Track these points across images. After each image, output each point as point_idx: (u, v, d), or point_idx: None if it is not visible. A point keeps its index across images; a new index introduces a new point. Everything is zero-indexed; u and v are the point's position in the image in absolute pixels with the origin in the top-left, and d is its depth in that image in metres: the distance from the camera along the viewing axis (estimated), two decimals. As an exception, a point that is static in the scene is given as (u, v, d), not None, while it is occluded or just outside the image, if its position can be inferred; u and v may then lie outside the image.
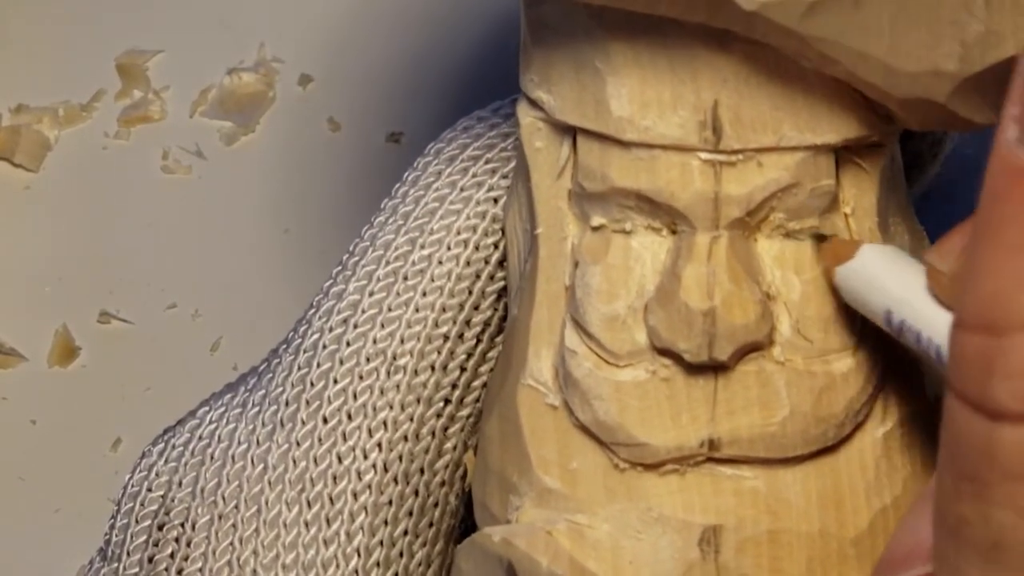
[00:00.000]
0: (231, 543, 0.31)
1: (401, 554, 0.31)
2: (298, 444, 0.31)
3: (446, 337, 0.32)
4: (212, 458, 0.32)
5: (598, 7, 0.28)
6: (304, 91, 0.54)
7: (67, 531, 0.49)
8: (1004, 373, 0.20)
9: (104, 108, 0.54)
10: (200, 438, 0.32)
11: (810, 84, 0.28)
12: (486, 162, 0.33)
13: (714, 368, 0.29)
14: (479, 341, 0.32)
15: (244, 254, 0.52)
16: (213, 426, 0.32)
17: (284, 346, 0.33)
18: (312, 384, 0.32)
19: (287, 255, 0.52)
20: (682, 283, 0.29)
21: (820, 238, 0.29)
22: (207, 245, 0.52)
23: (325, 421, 0.31)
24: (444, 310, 0.32)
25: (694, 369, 0.29)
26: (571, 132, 0.30)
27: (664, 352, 0.29)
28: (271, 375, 0.32)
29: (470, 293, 0.32)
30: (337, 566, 0.31)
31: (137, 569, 0.32)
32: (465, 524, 0.34)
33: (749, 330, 0.29)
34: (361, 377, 0.32)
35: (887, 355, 0.30)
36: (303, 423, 0.31)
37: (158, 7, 0.55)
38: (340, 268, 0.33)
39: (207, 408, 0.33)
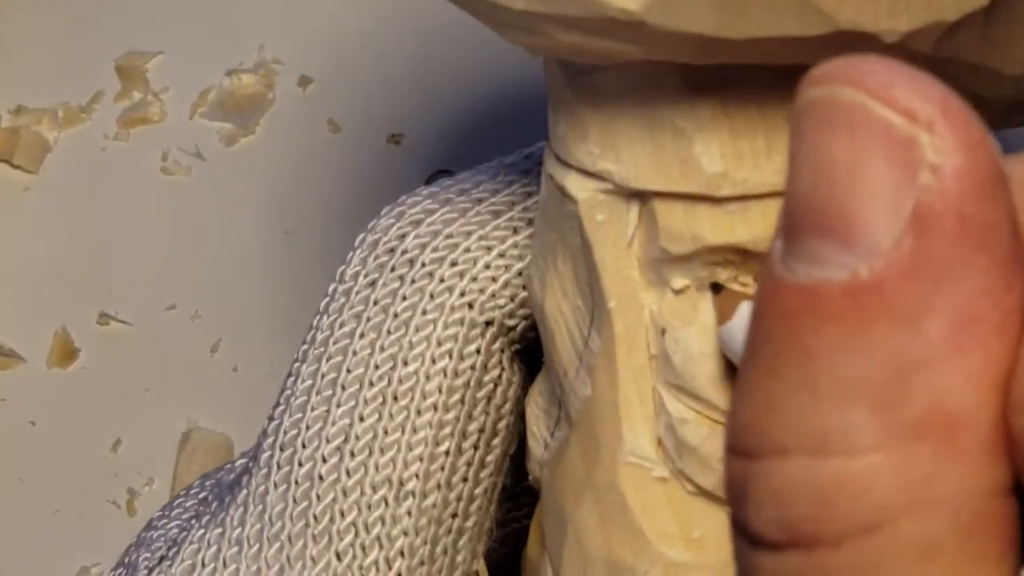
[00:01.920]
0: None
1: None
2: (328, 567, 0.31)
3: (447, 453, 0.31)
4: None
5: (683, 65, 0.27)
6: (304, 92, 0.54)
7: (66, 532, 0.49)
8: (755, 499, 0.19)
9: (103, 110, 0.54)
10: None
11: None
12: (452, 264, 0.32)
13: None
14: (476, 448, 0.32)
15: (243, 255, 0.52)
16: (211, 567, 0.31)
17: (262, 471, 0.31)
18: (316, 519, 0.31)
19: (286, 256, 0.52)
20: None
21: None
22: (206, 246, 0.52)
23: (339, 558, 0.30)
24: (442, 426, 0.31)
25: None
26: (638, 197, 0.29)
27: None
28: (261, 507, 0.31)
29: (463, 403, 0.32)
30: None
31: None
32: None
33: None
34: (370, 507, 0.31)
35: None
36: (314, 561, 0.31)
37: (157, 9, 0.55)
38: (326, 385, 0.31)
39: (188, 542, 0.32)
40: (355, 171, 0.53)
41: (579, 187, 0.29)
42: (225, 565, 0.31)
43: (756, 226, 0.28)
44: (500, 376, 0.32)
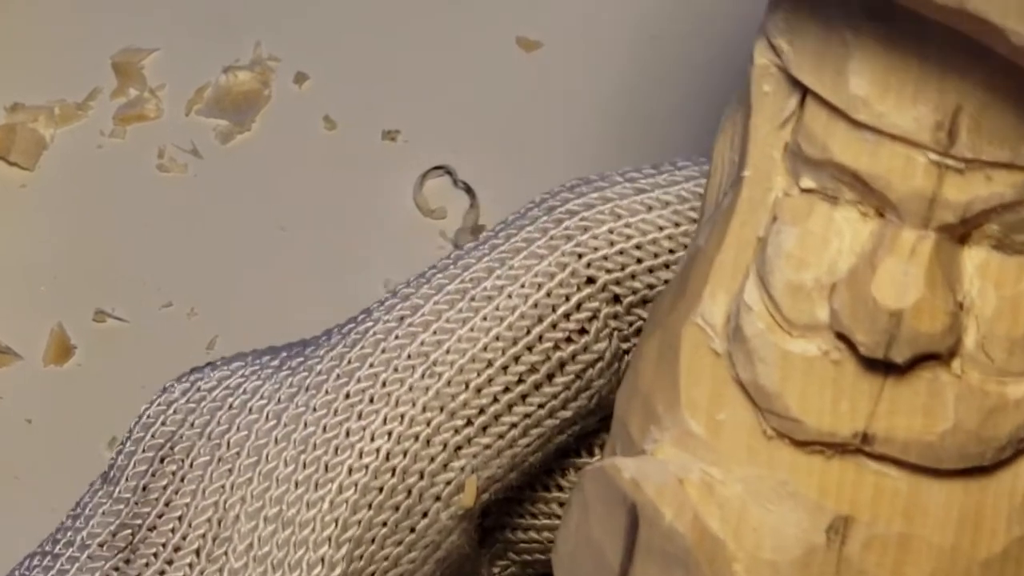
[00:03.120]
0: (223, 485, 0.32)
1: (373, 540, 0.32)
2: (314, 409, 0.32)
3: (490, 363, 0.32)
4: (231, 407, 0.33)
5: None
6: (300, 89, 0.54)
7: (63, 529, 0.49)
8: None
9: (100, 106, 0.54)
10: (226, 387, 0.33)
11: None
12: (581, 219, 0.33)
13: (886, 365, 0.28)
14: (521, 381, 0.33)
15: (240, 252, 0.52)
16: (242, 379, 0.33)
17: (338, 327, 0.34)
18: (348, 362, 0.32)
19: (283, 253, 0.52)
20: (876, 275, 0.28)
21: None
22: (203, 243, 0.52)
23: (347, 397, 0.32)
24: (497, 339, 0.32)
25: (866, 361, 0.28)
26: (802, 89, 0.29)
27: (840, 336, 0.28)
28: (314, 347, 0.33)
29: (528, 332, 0.33)
30: (313, 529, 0.31)
31: (130, 495, 0.33)
32: (477, 560, 0.35)
33: (933, 340, 0.28)
34: (396, 370, 0.32)
35: None
36: (326, 392, 0.32)
37: (154, 6, 0.55)
38: (417, 276, 0.34)
39: (242, 363, 0.34)
40: (351, 168, 0.53)
41: (760, 52, 0.29)
42: (257, 380, 0.33)
43: (882, 164, 0.28)
44: (581, 335, 0.33)
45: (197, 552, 0.31)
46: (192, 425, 0.33)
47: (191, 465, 0.32)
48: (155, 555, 0.32)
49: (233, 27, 0.55)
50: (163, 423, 0.33)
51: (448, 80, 0.54)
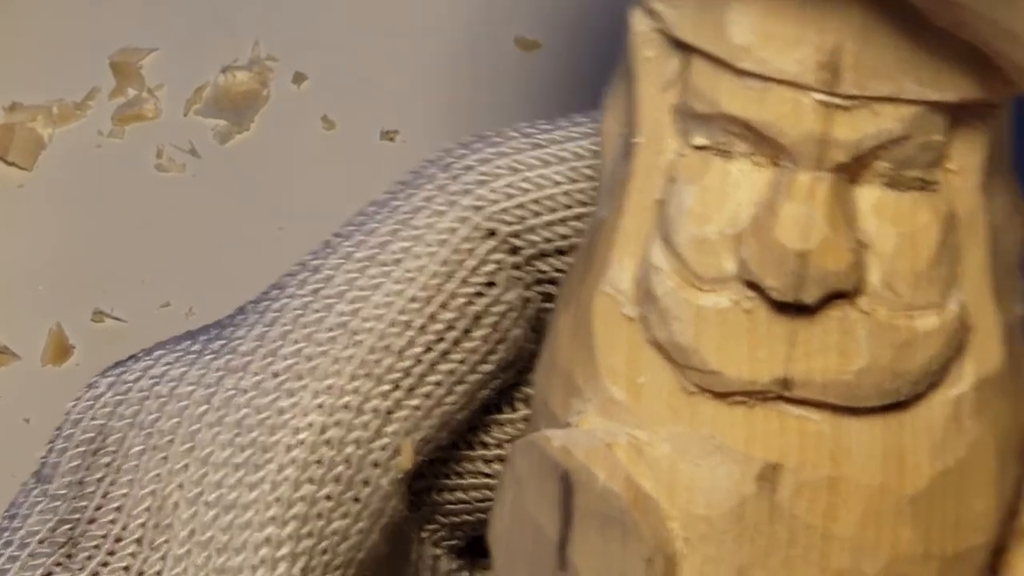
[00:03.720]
0: (159, 474, 0.32)
1: (319, 516, 0.32)
2: (244, 392, 0.32)
3: (408, 325, 0.33)
4: (159, 395, 0.33)
5: None
6: (298, 89, 0.54)
7: (60, 530, 0.49)
8: None
9: (98, 106, 0.54)
10: (151, 376, 0.33)
11: (938, 42, 0.28)
12: (479, 174, 0.34)
13: (798, 309, 0.29)
14: (441, 339, 0.33)
15: (238, 252, 0.52)
16: (166, 367, 0.33)
17: (253, 304, 0.34)
18: (271, 340, 0.33)
19: (281, 253, 0.52)
20: (779, 220, 0.28)
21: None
22: (201, 243, 0.52)
23: (275, 376, 0.32)
24: (412, 300, 0.33)
25: (778, 307, 0.29)
26: (684, 48, 0.29)
27: (750, 285, 0.29)
28: (233, 327, 0.34)
29: (440, 290, 0.33)
30: (256, 511, 0.31)
31: (66, 491, 0.32)
32: (407, 525, 0.35)
33: (840, 277, 0.28)
34: (318, 343, 0.32)
35: (969, 318, 0.30)
36: (254, 374, 0.32)
37: (152, 5, 0.55)
38: (323, 245, 0.34)
39: (164, 351, 0.34)
40: (349, 168, 0.53)
41: (638, 20, 0.30)
42: (181, 366, 0.33)
43: (771, 110, 0.28)
44: (490, 288, 0.34)
45: (139, 541, 0.31)
46: (122, 416, 0.33)
47: (126, 456, 0.32)
48: (96, 547, 0.31)
49: (231, 27, 0.55)
50: (92, 418, 0.33)
51: (447, 81, 0.54)
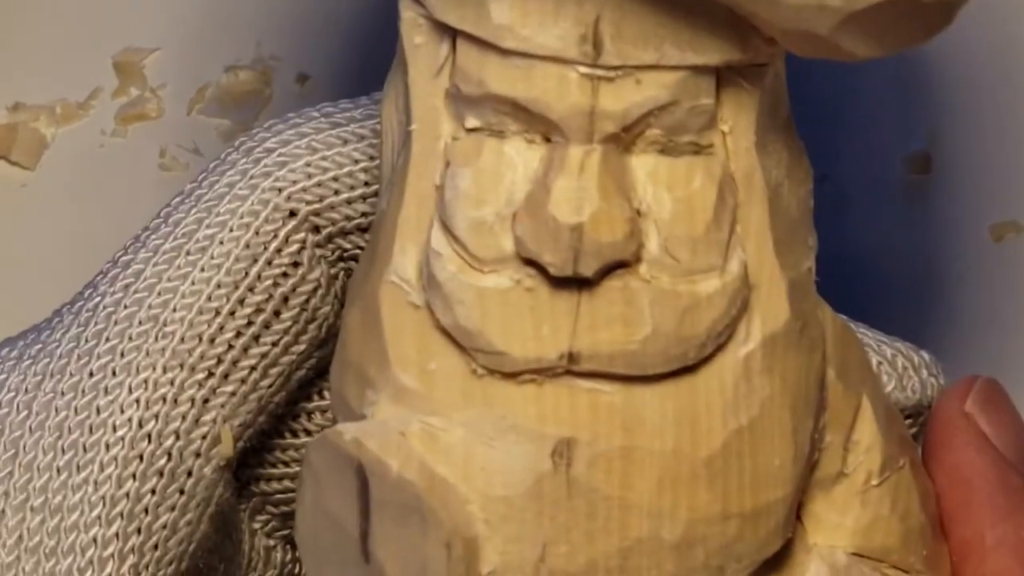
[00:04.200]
0: None
1: (146, 511, 0.32)
2: (62, 394, 0.32)
3: (217, 312, 0.33)
4: None
5: None
6: (301, 89, 0.54)
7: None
8: None
9: (101, 106, 0.54)
10: None
11: (695, 6, 0.28)
12: (279, 155, 0.34)
13: (579, 282, 0.29)
14: (251, 323, 0.33)
15: (241, 252, 0.52)
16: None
17: (68, 306, 0.34)
18: (86, 341, 0.33)
19: (284, 253, 0.52)
20: (551, 195, 0.28)
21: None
22: (204, 243, 0.52)
23: (91, 375, 0.33)
24: (219, 286, 0.33)
25: (558, 282, 0.29)
26: (451, 32, 0.29)
27: (529, 262, 0.29)
28: (50, 331, 0.34)
29: (246, 275, 0.33)
30: (82, 512, 0.31)
31: None
32: (238, 516, 0.35)
33: (616, 248, 0.28)
34: (131, 339, 0.33)
35: (752, 277, 0.30)
36: (71, 375, 0.33)
37: (155, 5, 0.55)
38: (133, 240, 0.34)
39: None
40: (353, 167, 0.53)
41: (405, 7, 0.30)
42: (0, 373, 0.33)
43: (537, 87, 0.28)
44: (296, 268, 0.34)
45: None
46: None
47: None
48: None
49: (234, 27, 0.55)
50: None
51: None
